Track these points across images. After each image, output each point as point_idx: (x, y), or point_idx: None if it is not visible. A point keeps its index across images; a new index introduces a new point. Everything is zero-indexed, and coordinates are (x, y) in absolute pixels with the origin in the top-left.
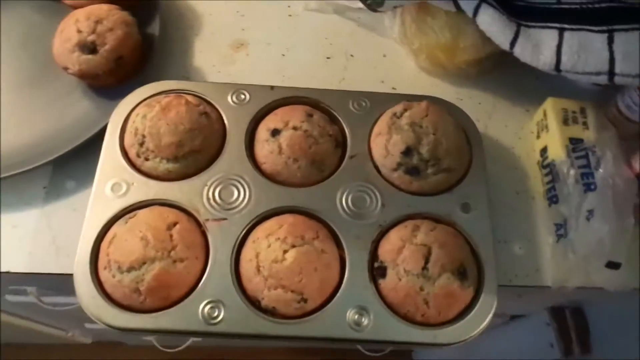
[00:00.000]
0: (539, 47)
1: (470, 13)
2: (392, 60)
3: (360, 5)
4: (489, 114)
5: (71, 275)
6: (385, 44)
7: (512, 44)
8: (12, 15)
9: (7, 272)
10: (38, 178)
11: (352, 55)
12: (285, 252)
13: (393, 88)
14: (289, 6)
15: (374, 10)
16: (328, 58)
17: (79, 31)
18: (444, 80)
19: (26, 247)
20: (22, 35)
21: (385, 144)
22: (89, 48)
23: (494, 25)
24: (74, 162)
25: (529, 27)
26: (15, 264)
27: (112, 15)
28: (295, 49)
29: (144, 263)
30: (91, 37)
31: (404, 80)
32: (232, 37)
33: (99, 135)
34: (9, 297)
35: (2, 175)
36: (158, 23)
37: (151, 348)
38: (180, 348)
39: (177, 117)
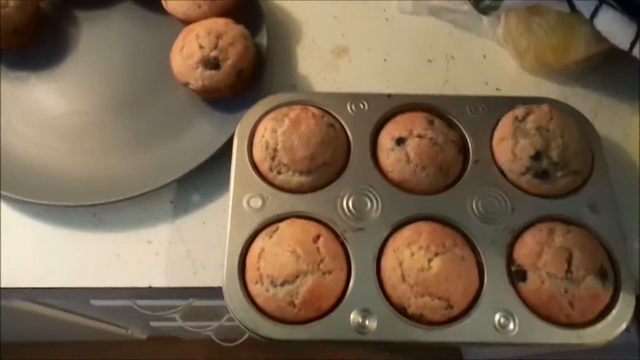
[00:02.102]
0: None
1: (587, 14)
2: (493, 61)
3: (454, 6)
4: (595, 111)
5: (213, 288)
6: (484, 45)
7: (633, 44)
8: (118, 31)
9: (150, 287)
10: (164, 193)
11: (452, 57)
12: (430, 260)
13: (497, 89)
14: (384, 10)
15: (485, 14)
16: (429, 61)
17: (201, 47)
18: (547, 79)
19: (162, 262)
20: (131, 51)
21: (511, 148)
22: (212, 64)
23: (614, 26)
24: (197, 175)
25: None
26: (155, 279)
27: (231, 29)
28: (395, 53)
29: (297, 277)
30: (214, 53)
31: (507, 81)
32: (333, 44)
33: (220, 149)
34: (94, 302)
35: (130, 195)
36: (265, 33)
37: (208, 342)
38: (238, 342)
39: (307, 130)
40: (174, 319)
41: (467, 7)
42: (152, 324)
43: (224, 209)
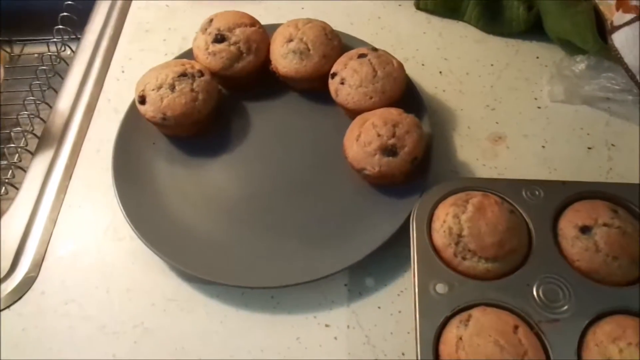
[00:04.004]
0: None
1: None
2: None
3: (610, 95)
4: None
5: None
6: None
7: None
8: (284, 120)
9: None
10: (338, 276)
11: (613, 145)
12: None
13: None
14: (535, 98)
15: None
16: (589, 148)
17: (379, 135)
18: None
19: (343, 346)
20: (297, 139)
21: None
22: (390, 151)
23: None
24: (370, 259)
25: None
26: None
27: (405, 119)
28: (553, 140)
29: None
30: (392, 141)
31: None
32: (489, 131)
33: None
34: None
35: (305, 280)
36: (428, 122)
37: None
38: None
39: (493, 217)
40: None
41: (630, 96)
42: None
43: (397, 293)
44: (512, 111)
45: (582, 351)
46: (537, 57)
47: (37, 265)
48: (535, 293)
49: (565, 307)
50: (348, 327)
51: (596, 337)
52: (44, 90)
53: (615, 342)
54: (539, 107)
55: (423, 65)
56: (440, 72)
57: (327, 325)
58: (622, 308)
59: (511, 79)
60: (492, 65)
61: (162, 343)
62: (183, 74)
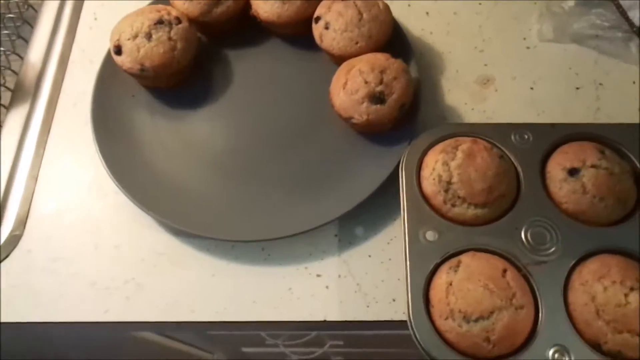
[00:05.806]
0: None
1: None
2: None
3: (599, 32)
4: None
5: (392, 322)
6: (632, 71)
7: None
8: (267, 67)
9: (324, 321)
10: (328, 226)
11: (601, 84)
12: (626, 295)
13: None
14: (524, 38)
15: None
16: (577, 88)
17: (366, 82)
18: None
19: (334, 295)
20: (282, 87)
21: None
22: (378, 98)
23: None
24: (359, 208)
25: None
26: (329, 313)
27: (392, 64)
28: (542, 81)
29: (492, 312)
30: (379, 88)
31: None
32: (477, 74)
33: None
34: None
35: (295, 232)
36: (415, 66)
37: None
38: None
39: (483, 163)
40: (275, 345)
41: (620, 33)
42: (245, 349)
43: (387, 241)
44: (501, 52)
45: (568, 291)
46: None
47: (22, 224)
48: (523, 236)
49: (553, 249)
50: (339, 276)
51: (582, 276)
52: (13, 40)
53: (600, 280)
54: (527, 47)
55: (409, 5)
56: (427, 13)
57: (318, 275)
58: (607, 247)
59: (500, 19)
60: (480, 4)
61: (154, 297)
62: (159, 21)
